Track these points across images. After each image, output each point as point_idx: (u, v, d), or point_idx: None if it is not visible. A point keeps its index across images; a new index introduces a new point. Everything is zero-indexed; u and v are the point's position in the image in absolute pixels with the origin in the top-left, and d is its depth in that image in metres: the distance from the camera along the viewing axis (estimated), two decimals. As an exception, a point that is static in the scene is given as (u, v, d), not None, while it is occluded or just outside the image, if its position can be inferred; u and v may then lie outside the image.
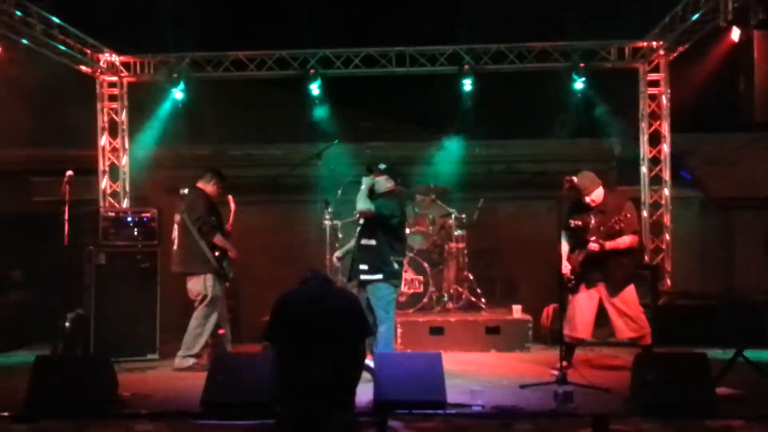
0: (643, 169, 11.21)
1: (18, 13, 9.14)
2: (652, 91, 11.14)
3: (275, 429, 5.84)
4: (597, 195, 7.96)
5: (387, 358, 6.87)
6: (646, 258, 10.69)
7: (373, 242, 7.74)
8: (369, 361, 6.60)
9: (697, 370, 6.32)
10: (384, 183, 7.87)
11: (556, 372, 7.48)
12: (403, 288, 10.02)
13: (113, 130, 11.52)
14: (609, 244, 7.76)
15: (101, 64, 11.17)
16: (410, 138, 12.40)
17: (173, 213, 9.02)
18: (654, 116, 11.15)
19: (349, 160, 11.13)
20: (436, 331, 9.80)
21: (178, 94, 11.07)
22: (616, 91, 11.49)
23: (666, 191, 11.12)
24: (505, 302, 10.74)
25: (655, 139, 11.16)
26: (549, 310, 10.26)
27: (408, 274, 10.17)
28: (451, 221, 10.78)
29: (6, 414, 6.29)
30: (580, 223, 8.01)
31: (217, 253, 8.65)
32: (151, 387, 7.60)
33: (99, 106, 11.45)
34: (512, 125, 12.56)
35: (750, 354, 7.24)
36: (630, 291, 7.93)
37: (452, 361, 8.01)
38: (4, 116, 11.51)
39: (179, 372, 8.50)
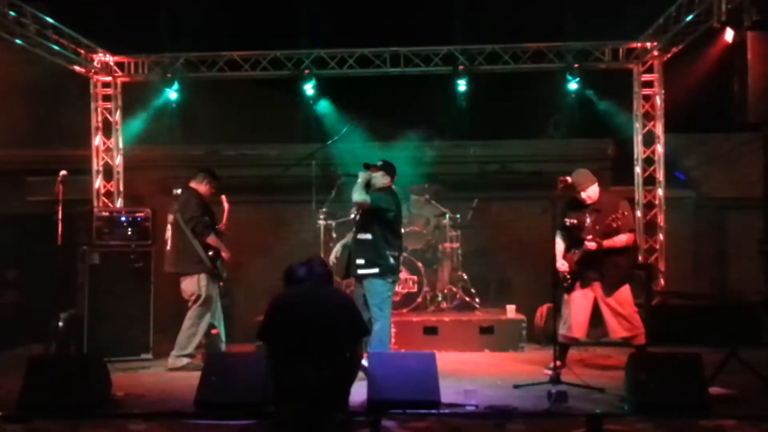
0: (637, 170, 11.23)
1: (11, 13, 9.11)
2: (646, 91, 11.16)
3: (270, 429, 5.84)
4: (592, 191, 7.98)
5: (381, 358, 6.86)
6: (640, 258, 10.71)
7: (368, 236, 7.76)
8: (363, 361, 6.60)
9: (690, 370, 6.34)
10: (380, 179, 7.90)
11: (549, 372, 7.49)
12: (397, 287, 10.03)
13: (107, 130, 11.50)
14: (606, 243, 7.78)
15: (95, 64, 11.15)
16: (405, 138, 12.38)
17: (167, 213, 9.01)
18: (648, 117, 11.17)
19: (344, 160, 11.14)
20: (430, 330, 9.82)
21: (172, 94, 11.06)
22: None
23: (660, 191, 11.14)
24: (499, 302, 10.75)
25: (649, 140, 11.17)
26: (543, 309, 10.28)
27: (402, 274, 10.13)
28: (446, 221, 10.80)
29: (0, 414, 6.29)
30: (575, 221, 8.02)
31: (210, 253, 8.64)
32: (144, 387, 7.60)
33: (93, 106, 11.42)
34: (507, 126, 12.56)
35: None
36: (625, 291, 7.95)
37: (446, 361, 8.02)
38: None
39: (173, 372, 8.50)
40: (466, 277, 10.79)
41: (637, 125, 11.22)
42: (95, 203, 11.18)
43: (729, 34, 8.63)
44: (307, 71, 11.04)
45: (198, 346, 8.71)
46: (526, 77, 11.45)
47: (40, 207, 11.08)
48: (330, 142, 10.91)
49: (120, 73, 11.47)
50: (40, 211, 10.87)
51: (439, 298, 10.55)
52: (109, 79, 11.44)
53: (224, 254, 8.78)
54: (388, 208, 7.77)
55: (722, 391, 6.69)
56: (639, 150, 11.21)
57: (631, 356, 6.74)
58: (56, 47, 10.07)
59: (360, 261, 7.76)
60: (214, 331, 8.77)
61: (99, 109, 11.46)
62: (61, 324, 8.91)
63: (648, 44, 10.83)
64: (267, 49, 11.20)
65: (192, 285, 8.61)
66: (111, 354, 8.39)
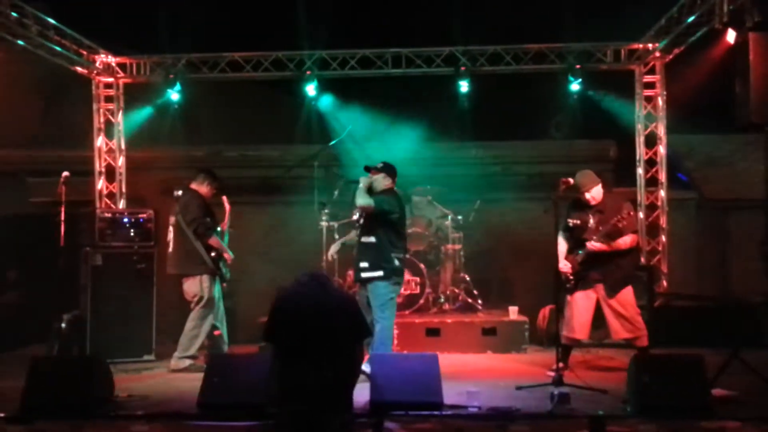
0: (640, 171, 11.23)
1: (13, 14, 9.12)
2: (648, 92, 11.16)
3: (273, 431, 5.84)
4: (596, 192, 7.98)
5: (383, 359, 6.86)
6: (642, 259, 10.70)
7: (372, 239, 7.76)
8: (364, 366, 6.59)
9: (693, 372, 6.32)
10: (382, 181, 7.89)
11: (552, 373, 7.47)
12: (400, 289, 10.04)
13: (109, 131, 11.50)
14: (611, 245, 7.78)
15: (97, 65, 11.16)
16: (407, 139, 12.38)
17: (169, 214, 9.01)
18: (650, 118, 11.16)
19: (345, 161, 11.16)
20: (433, 332, 9.81)
21: (174, 95, 11.07)
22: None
23: (662, 193, 11.14)
24: (502, 304, 10.74)
25: (651, 141, 11.17)
26: (545, 311, 10.27)
27: (405, 276, 10.16)
28: (448, 222, 10.79)
29: (2, 415, 6.28)
30: (578, 222, 8.03)
31: (212, 254, 8.65)
32: (147, 388, 7.59)
33: (95, 107, 11.42)
34: (509, 127, 12.56)
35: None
36: (627, 292, 7.95)
37: (448, 363, 8.02)
38: (0, 117, 11.52)
39: (175, 373, 8.50)
40: (468, 278, 10.79)
41: (639, 126, 11.21)
42: (98, 204, 11.18)
43: (731, 36, 8.63)
44: (308, 72, 11.04)
45: (200, 347, 8.71)
46: (527, 78, 11.44)
47: (43, 208, 11.11)
48: (331, 143, 10.91)
49: (122, 74, 11.47)
50: (42, 212, 10.92)
51: (442, 300, 10.54)
52: (111, 80, 11.44)
53: (226, 255, 8.79)
54: (392, 210, 7.77)
55: (725, 392, 6.67)
56: (641, 151, 11.21)
57: (633, 358, 6.72)
58: (58, 48, 10.08)
59: (364, 264, 7.75)
60: (216, 333, 8.77)
61: (101, 110, 11.46)
62: (63, 325, 8.91)
63: (650, 45, 10.82)
64: (269, 50, 11.20)
65: (194, 286, 8.61)
66: (113, 355, 8.41)
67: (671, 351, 7.69)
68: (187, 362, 8.57)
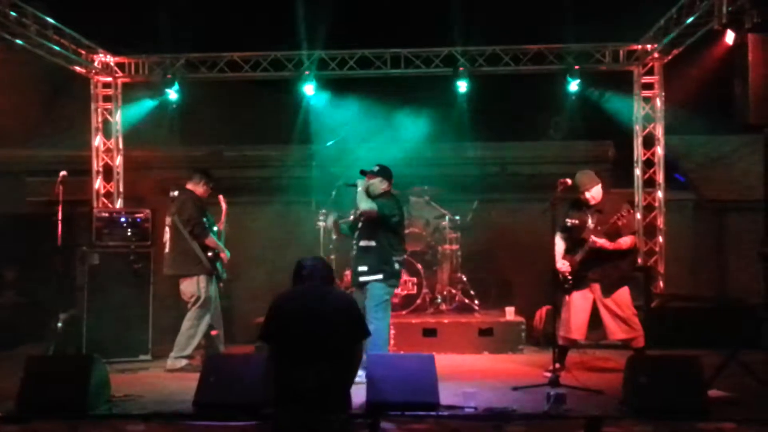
0: (637, 172, 11.22)
1: (12, 13, 9.11)
2: (647, 93, 11.16)
3: (269, 431, 5.83)
4: (596, 192, 7.99)
5: (380, 360, 6.85)
6: (639, 260, 10.70)
7: (373, 243, 7.76)
8: (360, 371, 6.56)
9: (689, 373, 6.34)
10: (378, 185, 7.89)
11: (548, 374, 7.49)
12: (397, 289, 10.03)
13: (107, 130, 11.49)
14: (612, 244, 7.78)
15: (96, 64, 11.15)
16: (405, 140, 12.38)
17: (166, 214, 9.01)
18: (648, 119, 11.17)
19: (344, 161, 11.14)
20: (429, 332, 9.81)
21: (172, 95, 11.06)
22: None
23: (660, 194, 11.14)
24: (499, 304, 10.73)
25: (649, 142, 11.17)
26: (542, 312, 10.27)
27: (402, 276, 10.15)
28: (445, 223, 10.80)
29: (-2, 414, 6.29)
30: (577, 222, 8.04)
31: (209, 254, 8.64)
32: (143, 388, 7.59)
33: (93, 106, 11.41)
34: (507, 127, 12.56)
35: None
36: (624, 293, 7.95)
37: (445, 363, 8.01)
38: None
39: (172, 373, 8.50)
40: (465, 279, 10.79)
41: (637, 127, 11.22)
42: (95, 204, 11.16)
43: (730, 36, 8.62)
44: (307, 72, 11.03)
45: (197, 347, 8.71)
46: (526, 78, 11.44)
47: (40, 207, 11.10)
48: (328, 144, 10.90)
49: (120, 74, 11.46)
50: (40, 212, 10.90)
51: (439, 300, 10.55)
52: (109, 79, 11.43)
53: (222, 255, 8.79)
54: (392, 213, 7.79)
55: (721, 394, 6.68)
56: (639, 152, 11.21)
57: (630, 359, 6.74)
58: (57, 47, 10.07)
59: (362, 268, 7.74)
60: (213, 333, 8.76)
61: (99, 110, 11.46)
62: (60, 324, 8.92)
63: (648, 46, 10.83)
64: (267, 50, 11.19)
65: (191, 287, 8.61)
66: (110, 355, 8.41)
67: (668, 352, 7.69)
68: (184, 362, 8.57)
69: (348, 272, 8.14)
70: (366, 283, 7.75)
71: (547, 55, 10.96)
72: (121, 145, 11.54)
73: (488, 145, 12.57)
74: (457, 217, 10.86)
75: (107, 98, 11.48)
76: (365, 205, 7.67)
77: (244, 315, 10.33)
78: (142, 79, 11.49)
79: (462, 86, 10.95)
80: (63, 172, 8.53)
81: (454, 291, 10.67)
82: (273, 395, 5.79)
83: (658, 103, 11.08)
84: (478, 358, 9.43)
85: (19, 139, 12.32)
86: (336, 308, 5.87)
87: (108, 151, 11.49)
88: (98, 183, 11.39)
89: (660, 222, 11.10)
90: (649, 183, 11.19)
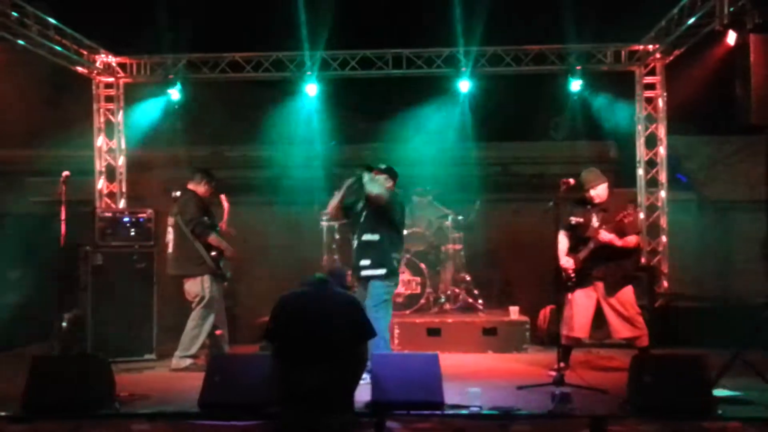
0: (640, 172, 11.23)
1: (14, 13, 9.12)
2: (649, 94, 11.17)
3: (274, 430, 5.84)
4: (601, 190, 7.99)
5: (384, 359, 6.86)
6: (643, 260, 10.71)
7: (376, 237, 7.73)
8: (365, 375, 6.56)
9: (694, 372, 6.33)
10: (383, 182, 7.88)
11: (553, 373, 7.48)
12: (401, 289, 10.07)
13: (109, 130, 11.50)
14: (620, 241, 7.78)
15: (97, 65, 11.17)
16: (407, 139, 12.39)
17: (169, 214, 9.01)
18: (650, 119, 11.18)
19: (346, 161, 11.15)
20: (433, 332, 9.81)
21: (174, 95, 11.07)
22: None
23: (663, 193, 11.15)
24: (502, 304, 10.75)
25: (651, 142, 11.18)
26: (546, 311, 10.27)
27: (405, 276, 10.19)
28: (448, 223, 10.81)
29: (3, 414, 6.29)
30: (581, 220, 8.03)
31: (213, 254, 8.65)
32: (148, 387, 7.59)
33: (95, 106, 11.43)
34: (509, 127, 12.56)
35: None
36: (627, 292, 7.95)
37: (449, 362, 7.99)
38: (0, 116, 11.51)
39: (176, 372, 8.51)
40: (469, 278, 10.80)
41: (640, 127, 11.23)
42: (98, 204, 11.17)
43: (731, 37, 8.62)
44: (309, 73, 11.04)
45: (201, 347, 8.71)
46: (528, 79, 11.45)
47: (43, 208, 11.11)
48: (331, 144, 10.90)
49: (122, 74, 11.48)
50: (42, 212, 10.91)
51: (442, 300, 10.55)
52: (111, 80, 11.44)
53: (227, 252, 8.77)
54: (396, 207, 7.80)
55: (727, 393, 6.68)
56: (641, 152, 11.22)
57: (634, 358, 6.73)
58: (59, 48, 10.07)
59: (365, 262, 7.71)
60: (218, 332, 8.77)
61: (101, 110, 11.47)
62: (64, 324, 8.93)
63: (650, 47, 10.84)
64: (269, 51, 11.20)
65: (196, 287, 8.61)
66: (114, 354, 8.40)
67: (672, 351, 7.70)
68: (188, 362, 8.58)
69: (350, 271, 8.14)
70: (367, 277, 7.71)
71: (549, 55, 10.98)
72: (123, 146, 11.55)
73: (490, 144, 12.57)
74: (460, 217, 10.87)
75: (109, 98, 11.49)
76: (377, 188, 7.64)
77: (248, 315, 10.34)
78: (143, 79, 11.51)
79: (464, 86, 10.97)
80: (66, 173, 8.54)
81: (457, 290, 10.68)
82: (277, 395, 5.81)
83: (660, 103, 11.09)
84: (483, 358, 9.42)
85: (22, 140, 12.32)
86: (340, 309, 5.88)
87: (111, 151, 11.50)
88: (101, 183, 11.40)
89: (663, 222, 11.11)
90: (652, 183, 11.21)
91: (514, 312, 10.10)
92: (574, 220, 8.10)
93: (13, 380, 6.99)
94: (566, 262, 8.03)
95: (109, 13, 12.27)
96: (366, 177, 7.71)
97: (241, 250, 9.25)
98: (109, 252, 9.46)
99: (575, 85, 10.87)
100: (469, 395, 6.51)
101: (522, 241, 11.45)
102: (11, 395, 6.65)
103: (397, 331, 9.64)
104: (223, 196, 9.18)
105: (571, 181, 7.73)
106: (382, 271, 7.67)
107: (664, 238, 11.09)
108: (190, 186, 8.92)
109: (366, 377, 6.47)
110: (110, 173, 11.49)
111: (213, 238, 8.67)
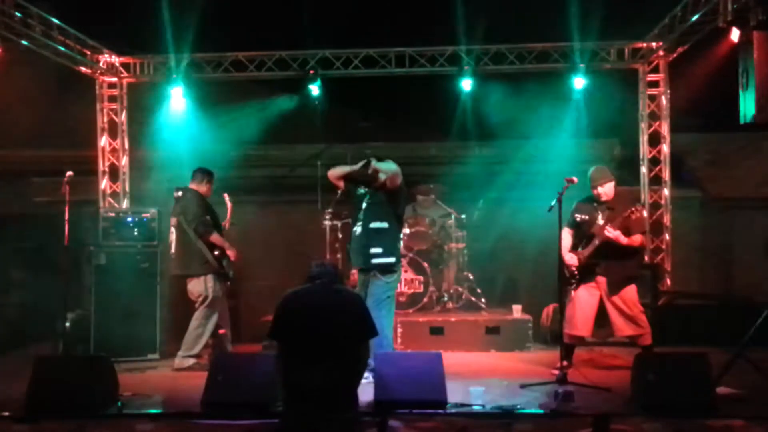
0: (643, 170, 11.22)
1: (17, 14, 9.14)
2: (652, 91, 11.15)
3: (277, 429, 5.84)
4: (608, 188, 7.99)
5: (387, 358, 6.86)
6: (646, 258, 10.69)
7: (385, 225, 7.65)
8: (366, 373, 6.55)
9: (697, 370, 6.33)
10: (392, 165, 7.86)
11: (556, 372, 7.50)
12: (404, 288, 10.08)
13: (113, 130, 11.52)
14: (626, 239, 7.78)
15: (101, 65, 11.18)
16: (410, 138, 12.39)
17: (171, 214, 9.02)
18: (654, 116, 11.16)
19: (349, 161, 11.12)
20: (437, 331, 9.81)
21: (177, 95, 11.08)
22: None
23: (666, 191, 11.13)
24: (505, 302, 10.75)
25: (654, 140, 11.17)
26: (549, 310, 10.26)
27: (408, 274, 10.20)
28: (451, 221, 10.81)
29: (6, 414, 6.31)
30: (586, 217, 8.03)
31: (216, 253, 8.65)
32: (151, 387, 7.62)
33: (98, 106, 11.45)
34: (512, 125, 12.52)
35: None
36: (630, 290, 7.95)
37: (452, 361, 8.00)
38: (4, 117, 11.53)
39: (180, 372, 8.52)
40: (472, 277, 10.80)
41: (643, 125, 11.21)
42: (101, 204, 11.19)
43: (735, 34, 8.60)
44: (312, 71, 11.03)
45: (205, 346, 8.72)
46: (531, 76, 11.43)
47: (47, 208, 11.11)
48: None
49: (125, 74, 11.49)
50: (46, 212, 10.91)
51: (445, 299, 10.55)
52: (114, 79, 11.46)
53: (230, 252, 8.79)
54: (404, 196, 7.84)
55: (730, 391, 6.68)
56: (645, 150, 11.20)
57: (637, 356, 6.74)
58: (62, 48, 10.08)
59: (377, 250, 7.54)
60: (221, 331, 8.78)
61: (105, 110, 11.48)
62: (67, 324, 8.93)
63: (653, 44, 10.82)
64: (272, 50, 11.20)
65: (199, 286, 8.62)
66: (118, 354, 8.41)
67: (675, 349, 7.69)
68: (191, 361, 8.59)
69: (355, 271, 8.08)
70: (379, 265, 7.57)
71: (552, 53, 10.97)
72: (126, 145, 11.57)
73: (493, 143, 12.56)
74: (463, 216, 10.87)
75: (112, 98, 11.51)
76: (393, 166, 7.60)
77: (252, 314, 10.34)
78: (147, 79, 11.52)
79: (467, 85, 10.96)
80: (69, 173, 8.55)
81: (460, 289, 10.68)
82: (281, 393, 5.82)
83: (664, 100, 11.07)
84: (486, 356, 9.42)
85: (25, 140, 12.33)
86: (343, 307, 5.89)
87: (114, 151, 11.52)
88: (104, 183, 11.41)
89: (666, 220, 11.09)
90: (655, 181, 11.18)
91: (517, 310, 10.10)
92: (579, 217, 8.10)
93: (17, 380, 7.00)
94: (570, 258, 8.02)
95: (112, 13, 12.27)
96: (373, 161, 7.66)
97: (244, 250, 9.26)
98: (112, 252, 9.49)
99: (579, 82, 10.85)
100: (472, 394, 6.52)
101: (525, 240, 11.44)
102: (15, 395, 6.69)
103: (400, 329, 9.64)
104: (226, 196, 9.20)
105: (575, 179, 7.73)
106: (392, 259, 7.60)
107: (667, 236, 11.07)
108: (192, 185, 8.93)
109: (368, 376, 6.47)
110: (113, 173, 11.50)
111: (215, 237, 8.68)
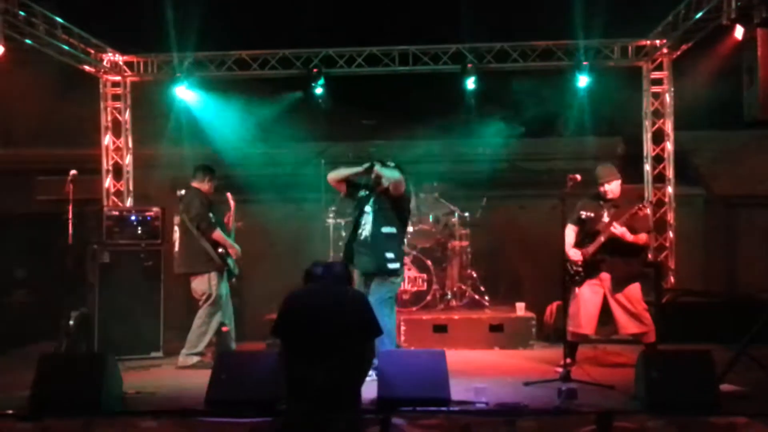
0: (647, 167, 11.20)
1: (21, 13, 9.15)
2: (656, 89, 11.14)
3: (281, 427, 5.85)
4: (615, 186, 7.97)
5: (391, 356, 6.86)
6: (650, 256, 10.69)
7: (393, 230, 7.70)
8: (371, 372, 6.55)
9: (701, 367, 6.32)
10: (394, 171, 7.86)
11: (559, 369, 7.49)
12: (407, 286, 10.08)
13: (116, 129, 11.53)
14: (632, 237, 7.76)
15: (104, 63, 11.19)
16: (413, 136, 12.39)
17: (175, 212, 9.03)
18: (657, 114, 11.15)
19: (353, 159, 11.13)
20: (440, 328, 9.82)
21: (180, 93, 11.09)
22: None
23: (669, 189, 11.12)
24: (509, 300, 10.73)
25: (658, 137, 11.16)
26: (552, 307, 10.26)
27: (411, 272, 10.21)
28: (455, 219, 10.82)
29: (10, 412, 6.31)
30: (591, 215, 8.01)
31: (220, 250, 8.66)
32: (155, 385, 7.61)
33: (102, 105, 11.47)
34: (515, 123, 12.52)
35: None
36: (635, 288, 7.94)
37: (456, 359, 7.99)
38: (8, 116, 11.55)
39: (183, 370, 8.52)
40: (475, 275, 10.81)
41: (647, 123, 11.20)
42: (105, 202, 11.21)
43: (739, 32, 8.59)
44: (315, 70, 11.03)
45: (208, 344, 8.73)
46: (534, 74, 11.42)
47: (50, 206, 11.14)
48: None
49: (129, 73, 11.51)
50: (50, 211, 10.93)
51: (449, 296, 10.56)
52: (118, 78, 11.48)
53: (231, 250, 8.79)
54: (409, 195, 7.87)
55: (733, 388, 6.67)
56: (648, 147, 11.19)
57: (641, 354, 6.74)
58: (66, 47, 10.10)
59: (390, 255, 7.60)
60: (224, 329, 8.78)
61: (108, 109, 11.50)
62: (71, 322, 8.94)
63: (657, 42, 10.81)
64: (276, 48, 11.20)
65: (203, 284, 8.63)
66: (122, 352, 8.43)
67: (679, 347, 7.67)
68: (195, 359, 8.60)
69: (355, 271, 8.09)
70: (393, 270, 7.65)
71: (556, 51, 10.97)
72: (130, 144, 11.58)
73: (497, 141, 12.55)
74: (467, 214, 10.87)
75: (116, 97, 11.53)
76: (398, 174, 7.60)
77: (255, 312, 10.34)
78: (150, 77, 11.54)
79: (470, 83, 10.95)
80: (73, 171, 8.56)
81: (464, 287, 10.68)
82: (284, 391, 5.82)
83: (667, 98, 11.06)
84: (489, 354, 9.42)
85: (29, 139, 12.36)
86: (347, 306, 5.88)
87: (118, 149, 11.53)
88: (108, 181, 11.43)
89: (670, 217, 11.08)
90: (659, 178, 11.17)
91: (520, 308, 10.09)
92: (584, 214, 8.07)
93: (21, 378, 7.02)
94: (574, 254, 8.01)
95: (115, 11, 12.29)
96: (376, 166, 7.65)
97: (247, 248, 9.26)
98: (116, 250, 9.49)
99: (582, 80, 10.84)
100: (475, 392, 6.51)
101: (528, 238, 11.44)
102: (19, 393, 6.68)
103: (403, 327, 9.65)
104: (229, 194, 9.20)
105: (578, 177, 7.71)
106: (398, 265, 7.70)
107: (671, 234, 11.06)
108: (194, 184, 8.93)
109: (371, 373, 6.48)
110: (117, 171, 11.52)
111: (218, 235, 8.67)
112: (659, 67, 11.10)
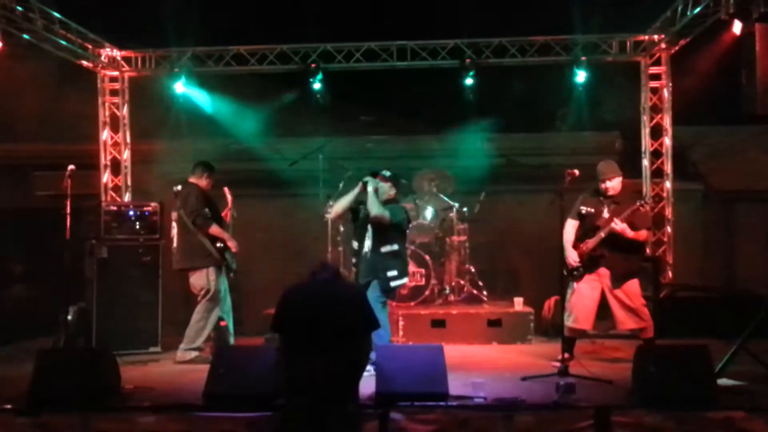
0: (645, 162, 11.21)
1: (19, 8, 9.14)
2: (654, 84, 11.14)
3: (279, 422, 5.85)
4: (616, 183, 7.97)
5: (389, 351, 6.87)
6: (648, 251, 10.69)
7: (396, 247, 7.80)
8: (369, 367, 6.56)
9: (698, 362, 6.32)
10: (387, 190, 7.90)
11: (557, 364, 7.50)
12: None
13: (114, 124, 11.52)
14: (633, 233, 7.76)
15: (102, 58, 11.19)
16: (411, 132, 12.38)
17: (173, 208, 9.02)
18: (655, 109, 11.16)
19: (351, 154, 11.15)
20: (438, 323, 9.82)
21: (178, 88, 11.08)
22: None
23: (668, 184, 11.12)
24: (507, 295, 10.76)
25: (656, 132, 11.16)
26: (550, 302, 10.27)
27: (410, 267, 10.18)
28: (453, 214, 10.81)
29: (9, 407, 6.31)
30: (592, 210, 8.01)
31: (218, 245, 8.65)
32: (153, 380, 7.62)
33: (100, 100, 11.47)
34: (513, 118, 12.52)
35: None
36: (633, 284, 7.94)
37: (454, 354, 7.99)
38: (6, 111, 11.54)
39: (181, 365, 8.52)
40: (473, 269, 10.81)
41: (645, 118, 11.21)
42: (103, 198, 11.21)
43: (737, 27, 8.61)
44: (314, 65, 11.01)
45: (206, 339, 8.73)
46: (533, 69, 11.42)
47: (48, 202, 11.11)
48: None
49: (127, 68, 11.50)
50: (48, 206, 10.90)
51: (447, 291, 10.56)
52: (116, 73, 11.48)
53: (230, 244, 8.78)
54: (403, 219, 7.90)
55: (731, 383, 6.68)
56: (646, 142, 11.20)
57: (639, 349, 6.73)
58: (63, 42, 10.10)
59: (393, 273, 7.75)
60: (222, 324, 8.78)
61: (106, 104, 11.49)
62: (70, 317, 8.95)
63: (655, 37, 10.81)
64: (274, 44, 11.19)
65: (201, 279, 8.62)
66: (120, 347, 8.41)
67: (677, 342, 7.69)
68: (193, 354, 8.60)
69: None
70: (397, 287, 7.92)
71: (554, 46, 10.97)
72: (128, 139, 11.58)
73: (495, 136, 12.55)
74: (465, 209, 10.87)
75: (114, 92, 11.52)
76: (377, 210, 7.65)
77: (254, 307, 10.34)
78: (148, 73, 11.54)
79: (468, 78, 10.94)
80: (71, 166, 8.55)
81: (462, 282, 10.69)
82: (283, 386, 5.82)
83: (666, 93, 11.06)
84: (487, 349, 9.44)
85: (27, 134, 12.35)
86: (345, 300, 5.87)
87: (116, 144, 11.53)
88: (106, 177, 11.42)
89: (668, 212, 11.09)
90: (657, 173, 11.18)
91: (518, 303, 10.10)
92: (584, 209, 8.07)
93: (19, 373, 7.02)
94: (572, 254, 8.00)
95: (113, 6, 12.28)
96: (370, 185, 7.69)
97: (245, 243, 9.26)
98: (114, 245, 9.49)
99: (580, 75, 10.83)
100: (473, 386, 6.52)
101: (527, 233, 11.44)
102: (17, 388, 6.67)
103: (401, 322, 9.66)
104: (226, 189, 9.20)
105: (576, 172, 7.72)
106: (405, 280, 7.95)
107: (669, 229, 11.07)
108: (192, 179, 8.92)
109: (369, 368, 6.48)
110: (115, 167, 11.51)
111: (215, 229, 8.66)
112: (657, 63, 11.10)
